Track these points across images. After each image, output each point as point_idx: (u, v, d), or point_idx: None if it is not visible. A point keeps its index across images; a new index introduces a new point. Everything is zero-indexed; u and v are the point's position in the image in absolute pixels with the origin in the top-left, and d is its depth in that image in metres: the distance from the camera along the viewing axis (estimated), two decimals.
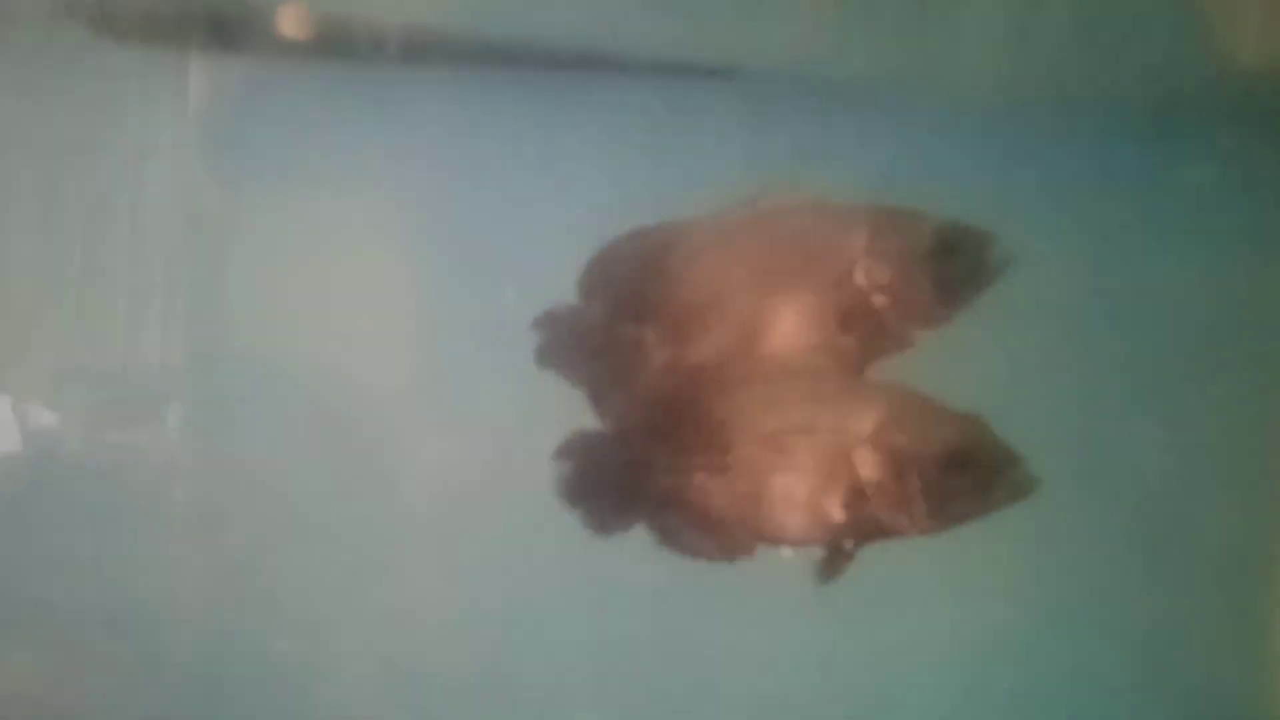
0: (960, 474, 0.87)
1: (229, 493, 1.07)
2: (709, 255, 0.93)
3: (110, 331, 1.08)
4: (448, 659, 1.06)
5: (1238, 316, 1.05)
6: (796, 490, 0.89)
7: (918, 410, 0.89)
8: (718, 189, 0.92)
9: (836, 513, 0.88)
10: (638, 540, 0.92)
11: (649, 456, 0.92)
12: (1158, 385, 1.06)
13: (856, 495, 0.88)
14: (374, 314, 1.07)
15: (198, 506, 1.06)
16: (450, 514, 1.06)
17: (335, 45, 1.03)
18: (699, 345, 0.93)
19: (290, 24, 1.01)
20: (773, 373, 0.91)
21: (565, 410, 0.92)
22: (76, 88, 1.06)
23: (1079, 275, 1.03)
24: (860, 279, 0.90)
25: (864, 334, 0.90)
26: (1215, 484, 1.07)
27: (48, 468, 1.08)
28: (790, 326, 0.91)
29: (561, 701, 1.05)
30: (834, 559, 0.90)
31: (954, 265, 0.89)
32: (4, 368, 1.09)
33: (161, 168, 1.07)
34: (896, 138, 1.00)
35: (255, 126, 1.06)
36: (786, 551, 0.92)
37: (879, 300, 0.90)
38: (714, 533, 0.91)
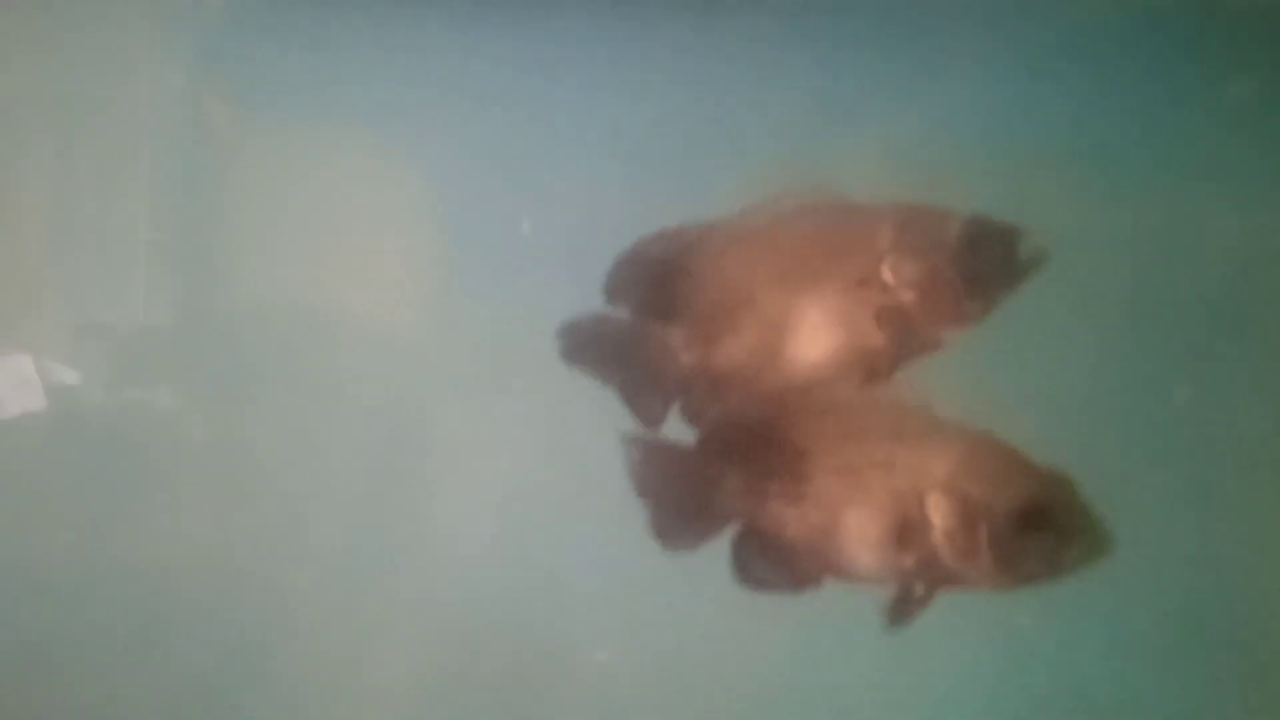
0: (1032, 532, 0.84)
1: (245, 446, 1.07)
2: (734, 255, 0.92)
3: (126, 286, 1.08)
4: (479, 629, 1.06)
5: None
6: (869, 527, 0.87)
7: (999, 460, 0.86)
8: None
9: (907, 555, 0.86)
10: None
11: (723, 476, 0.91)
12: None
13: (927, 540, 0.85)
14: (395, 255, 1.07)
15: (215, 461, 1.06)
16: (478, 465, 1.06)
17: None
18: (727, 346, 0.92)
19: None
20: (857, 404, 0.90)
21: None
22: (87, 40, 1.06)
23: (1120, 207, 1.01)
24: (888, 276, 0.89)
25: (893, 333, 0.89)
26: None
27: (65, 423, 1.08)
28: (818, 326, 0.90)
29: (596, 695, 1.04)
30: (904, 603, 0.87)
31: (983, 261, 0.87)
32: (19, 323, 1.09)
33: (174, 118, 1.07)
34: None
35: (269, 69, 1.06)
36: (857, 587, 0.89)
37: (907, 298, 0.88)
38: (784, 563, 0.89)
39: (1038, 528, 0.83)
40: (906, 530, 0.85)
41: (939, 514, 0.85)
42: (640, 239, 0.92)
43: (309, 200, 1.07)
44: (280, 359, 1.06)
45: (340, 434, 1.06)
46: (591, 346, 0.92)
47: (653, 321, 0.92)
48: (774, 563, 0.89)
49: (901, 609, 0.87)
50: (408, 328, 1.07)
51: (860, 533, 0.87)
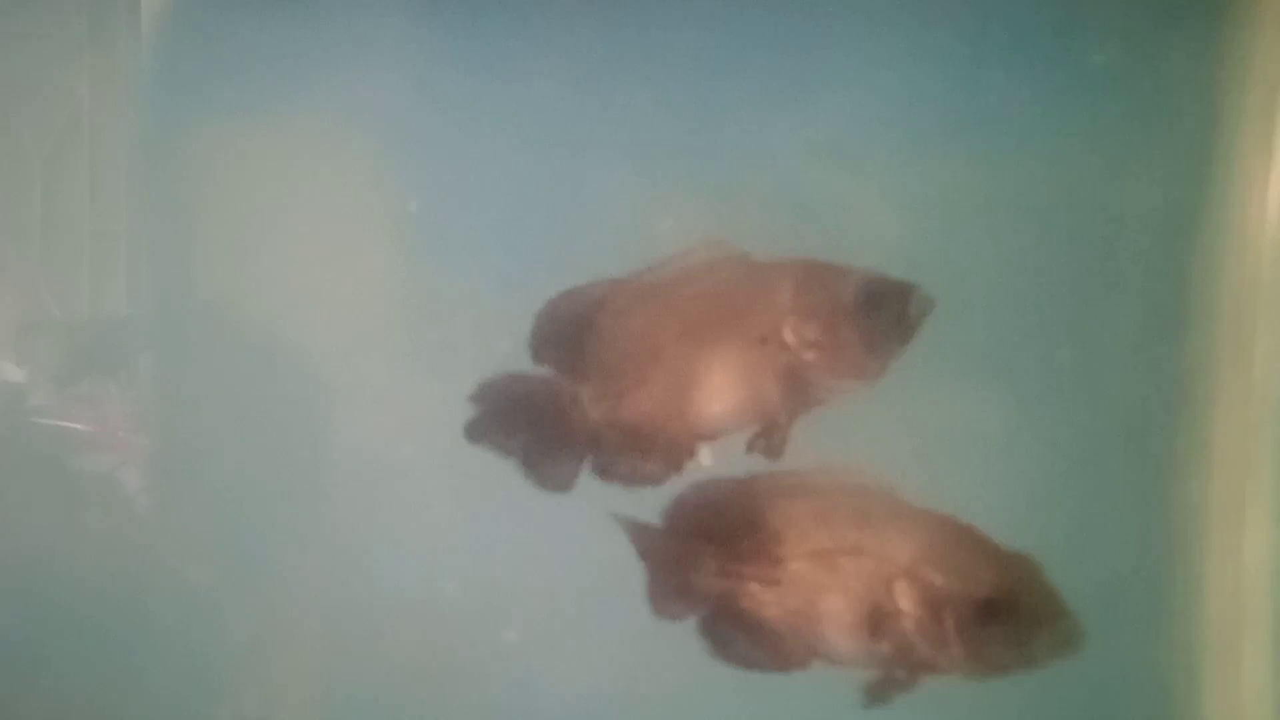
0: (997, 621, 0.84)
1: (191, 446, 1.09)
2: (641, 311, 0.95)
3: (72, 281, 1.09)
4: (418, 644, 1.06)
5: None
6: (844, 613, 0.88)
7: (961, 545, 0.87)
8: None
9: (883, 642, 0.87)
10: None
11: (700, 556, 0.92)
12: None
13: (899, 627, 0.86)
14: (345, 256, 1.06)
15: (161, 460, 1.08)
16: (427, 471, 1.05)
17: None
18: (635, 399, 0.95)
19: None
20: (824, 486, 0.91)
21: None
22: (27, 30, 1.06)
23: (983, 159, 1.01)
24: (788, 336, 0.91)
25: (793, 388, 0.92)
26: None
27: (10, 420, 1.10)
28: (721, 380, 0.93)
29: None
30: (884, 685, 0.88)
31: (879, 319, 0.90)
32: None
33: (119, 106, 1.07)
34: None
35: (218, 54, 1.05)
36: (841, 670, 0.90)
37: (807, 356, 0.91)
38: (767, 644, 0.91)
39: (1003, 617, 0.83)
40: (879, 617, 0.86)
41: (907, 601, 0.85)
42: (553, 297, 0.94)
43: (258, 193, 1.06)
44: (229, 353, 1.07)
45: (287, 429, 1.07)
46: (502, 409, 0.95)
47: (565, 378, 0.95)
48: (756, 642, 0.90)
49: (878, 690, 0.87)
50: (356, 323, 1.06)
51: (836, 618, 0.87)
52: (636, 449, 0.94)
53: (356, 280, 1.04)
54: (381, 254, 1.05)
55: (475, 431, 0.94)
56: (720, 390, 0.93)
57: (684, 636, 0.93)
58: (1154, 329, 1.03)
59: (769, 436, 0.93)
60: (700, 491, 0.93)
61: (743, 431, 0.94)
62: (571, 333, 0.95)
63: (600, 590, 0.98)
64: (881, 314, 0.90)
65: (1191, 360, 1.02)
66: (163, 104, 1.06)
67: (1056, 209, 1.02)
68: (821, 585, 0.88)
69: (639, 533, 0.94)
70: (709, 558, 0.91)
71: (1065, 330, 1.02)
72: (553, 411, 0.95)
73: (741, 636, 0.91)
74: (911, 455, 0.95)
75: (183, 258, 1.07)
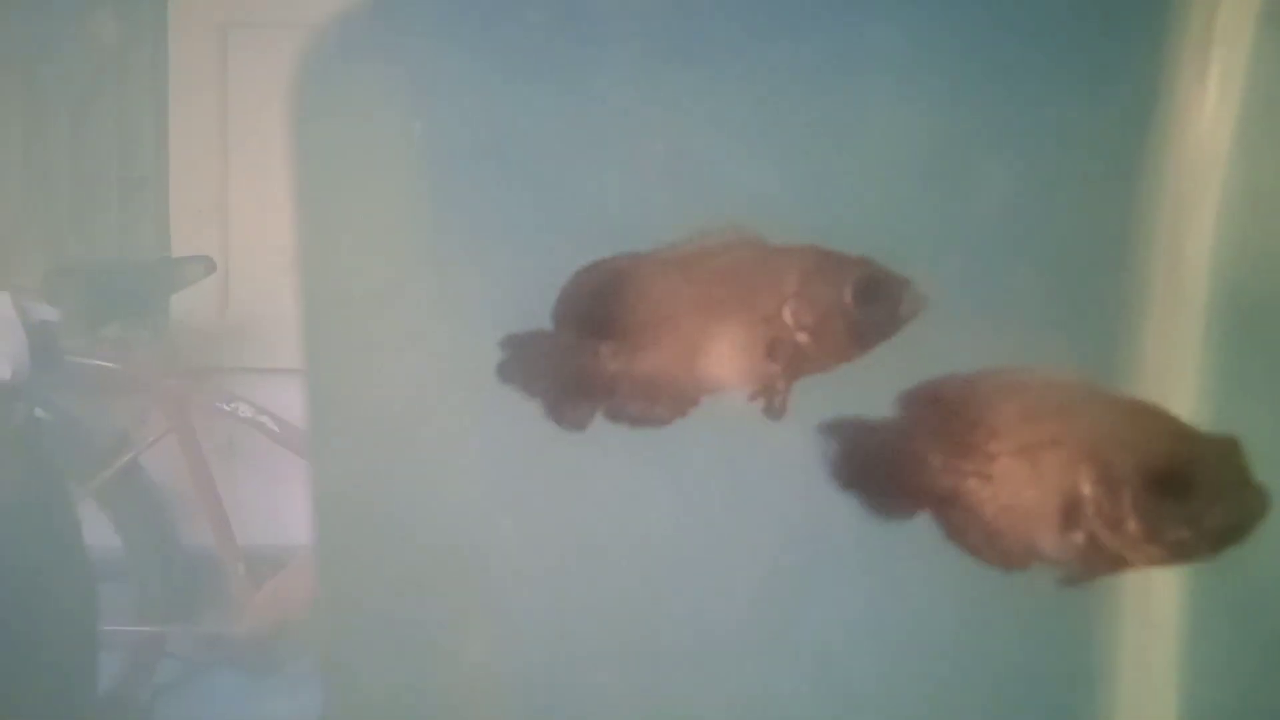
0: (1171, 494, 0.82)
1: (221, 390, 1.16)
2: (661, 282, 1.06)
3: (101, 226, 1.13)
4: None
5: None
6: (1046, 506, 0.88)
7: (1148, 424, 0.87)
8: None
9: (1075, 532, 0.86)
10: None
11: (924, 453, 0.94)
12: None
13: (1085, 514, 0.86)
14: (374, 199, 1.11)
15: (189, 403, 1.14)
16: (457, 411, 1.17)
17: None
18: (649, 356, 1.07)
19: None
20: (1035, 384, 0.92)
21: None
22: None
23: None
24: (788, 318, 1.05)
25: (787, 363, 1.06)
26: None
27: (44, 362, 1.14)
28: (725, 349, 1.07)
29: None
30: (1078, 577, 0.88)
31: (870, 313, 1.04)
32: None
33: (145, 54, 1.09)
34: None
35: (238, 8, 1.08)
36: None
37: (802, 338, 1.05)
38: (991, 540, 0.92)
39: (1178, 490, 0.81)
40: (1068, 506, 0.86)
41: (1088, 484, 0.85)
42: (579, 269, 1.05)
43: (288, 137, 1.08)
44: (258, 299, 1.13)
45: (325, 370, 1.14)
46: (526, 358, 1.06)
47: (586, 337, 1.06)
48: (983, 535, 0.92)
49: (1074, 583, 0.87)
50: (382, 271, 1.12)
51: (1037, 512, 0.88)
52: (647, 396, 1.08)
53: (386, 227, 1.11)
54: (409, 198, 1.12)
55: (505, 373, 1.06)
56: (724, 357, 1.07)
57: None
58: (1099, 244, 1.16)
59: (769, 398, 1.07)
60: (931, 389, 0.96)
61: (743, 388, 1.08)
62: (594, 302, 1.06)
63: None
64: (872, 309, 1.04)
65: (1130, 270, 1.16)
66: (189, 51, 1.07)
67: (1009, 133, 1.13)
68: (1026, 481, 0.89)
69: (864, 432, 0.97)
70: (935, 454, 0.93)
71: (1020, 246, 1.15)
72: (572, 363, 1.07)
73: (971, 528, 0.92)
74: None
75: (211, 203, 1.10)
